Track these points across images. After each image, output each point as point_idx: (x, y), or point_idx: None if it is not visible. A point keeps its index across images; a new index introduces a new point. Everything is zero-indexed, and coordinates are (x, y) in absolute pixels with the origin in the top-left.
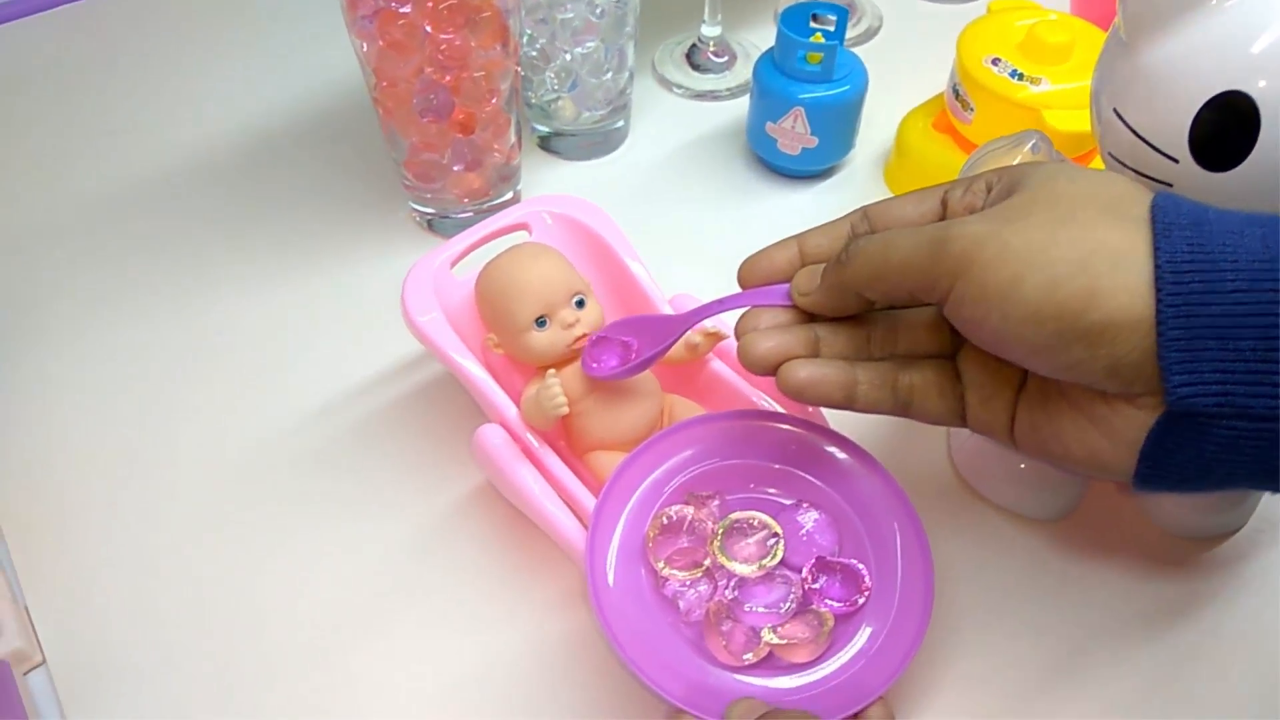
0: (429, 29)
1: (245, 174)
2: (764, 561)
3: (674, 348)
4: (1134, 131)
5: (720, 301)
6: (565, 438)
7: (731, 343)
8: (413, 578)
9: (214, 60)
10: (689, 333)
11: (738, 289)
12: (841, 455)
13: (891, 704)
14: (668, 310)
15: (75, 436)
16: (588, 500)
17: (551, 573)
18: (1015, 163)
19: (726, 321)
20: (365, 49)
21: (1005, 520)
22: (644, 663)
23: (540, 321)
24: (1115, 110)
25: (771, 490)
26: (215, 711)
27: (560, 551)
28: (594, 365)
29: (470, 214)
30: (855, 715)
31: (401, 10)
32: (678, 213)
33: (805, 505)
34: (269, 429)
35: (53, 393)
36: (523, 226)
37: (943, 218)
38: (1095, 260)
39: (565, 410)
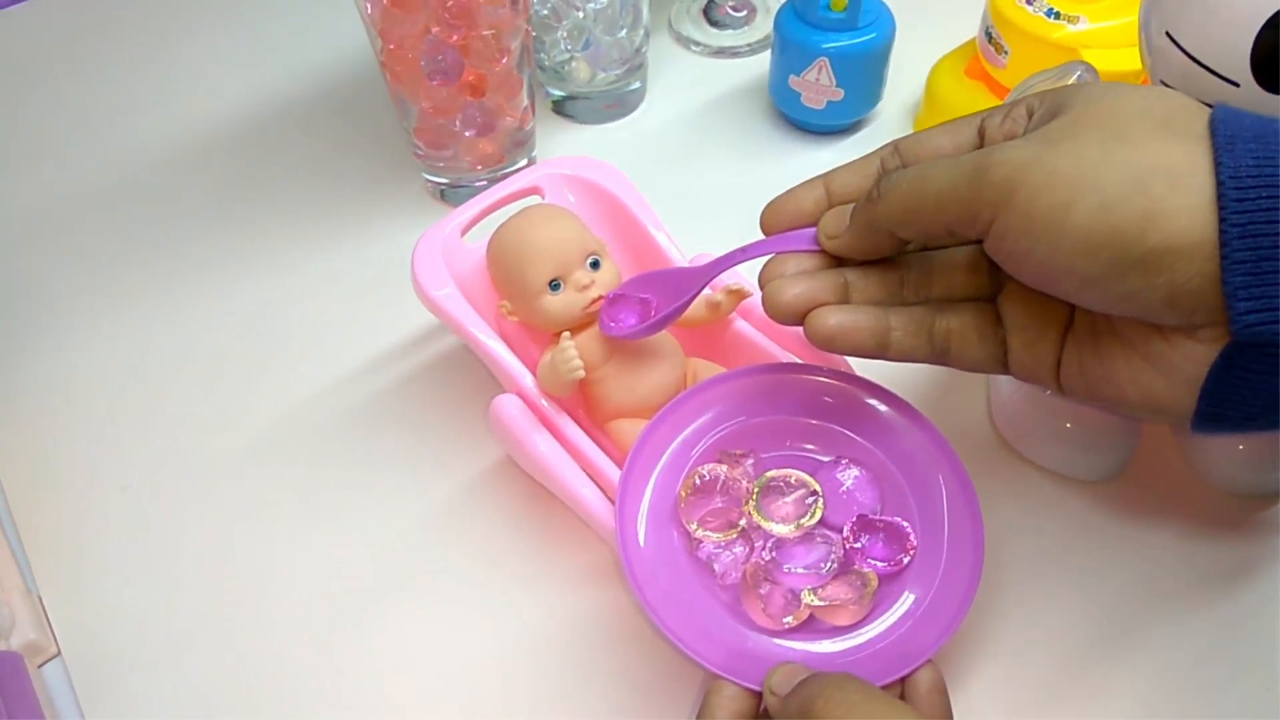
0: None
1: (255, 150)
2: (802, 521)
3: (695, 307)
4: (1189, 55)
5: (743, 250)
6: (584, 406)
7: (756, 301)
8: (433, 557)
9: (219, 34)
10: (710, 291)
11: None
12: (882, 408)
13: (940, 668)
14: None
15: (87, 424)
16: (610, 470)
17: (576, 547)
18: None
19: (750, 279)
20: (369, 9)
21: (1050, 482)
22: (680, 629)
23: (554, 284)
24: (1168, 34)
25: (809, 447)
26: (235, 699)
27: (583, 524)
28: (611, 324)
29: (485, 182)
30: (902, 679)
31: None
32: (699, 175)
33: (845, 461)
34: (283, 409)
35: (64, 381)
36: (535, 190)
37: (980, 147)
38: (1151, 180)
39: (581, 374)
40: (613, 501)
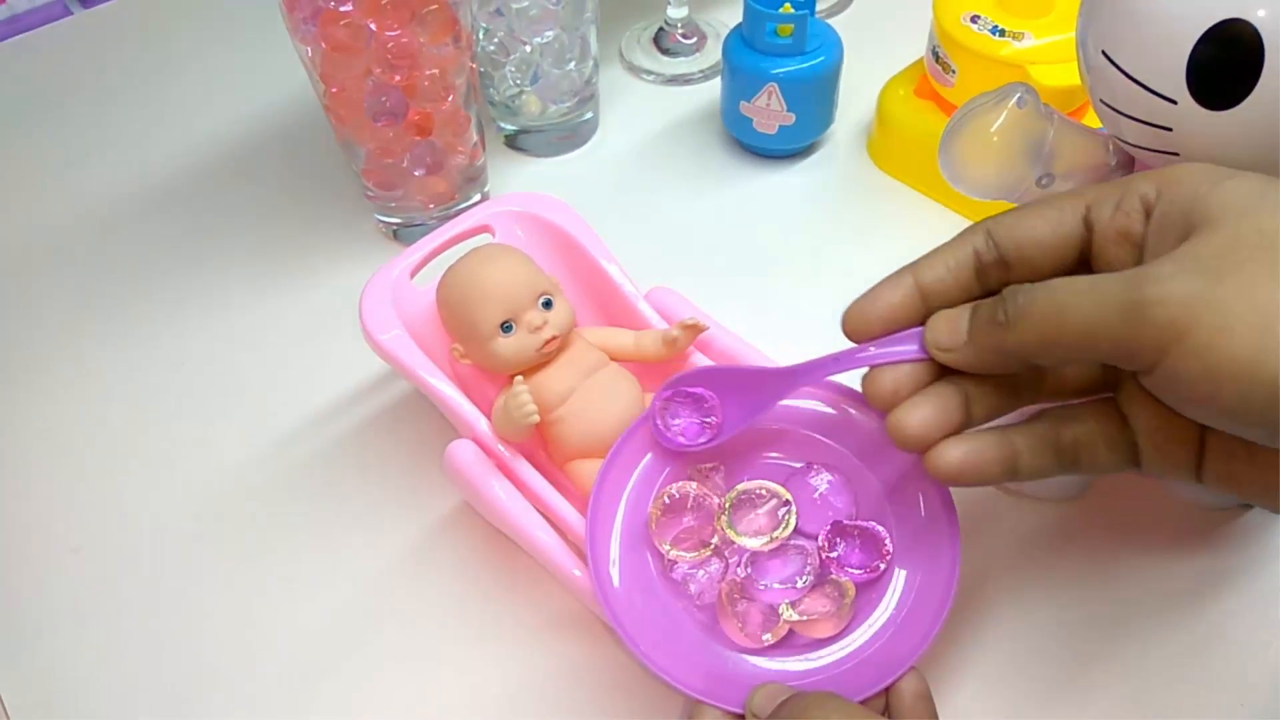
0: (373, 27)
1: (205, 196)
2: (776, 533)
3: (650, 344)
4: (1126, 74)
5: (836, 359)
6: (544, 448)
7: (712, 335)
8: (390, 607)
9: (165, 83)
10: (666, 328)
11: (727, 279)
12: (851, 409)
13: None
14: (644, 308)
15: (37, 479)
16: (570, 514)
17: (537, 593)
18: (998, 119)
19: (702, 312)
20: (310, 54)
21: (1013, 502)
22: (658, 655)
23: (506, 326)
24: (1104, 52)
25: (776, 454)
26: None
27: (543, 569)
28: (668, 434)
29: (437, 220)
30: (887, 689)
31: (342, 9)
32: (655, 203)
33: (816, 467)
34: (236, 456)
35: (11, 433)
36: (485, 229)
37: (1088, 241)
38: None
39: (535, 419)
40: (573, 546)
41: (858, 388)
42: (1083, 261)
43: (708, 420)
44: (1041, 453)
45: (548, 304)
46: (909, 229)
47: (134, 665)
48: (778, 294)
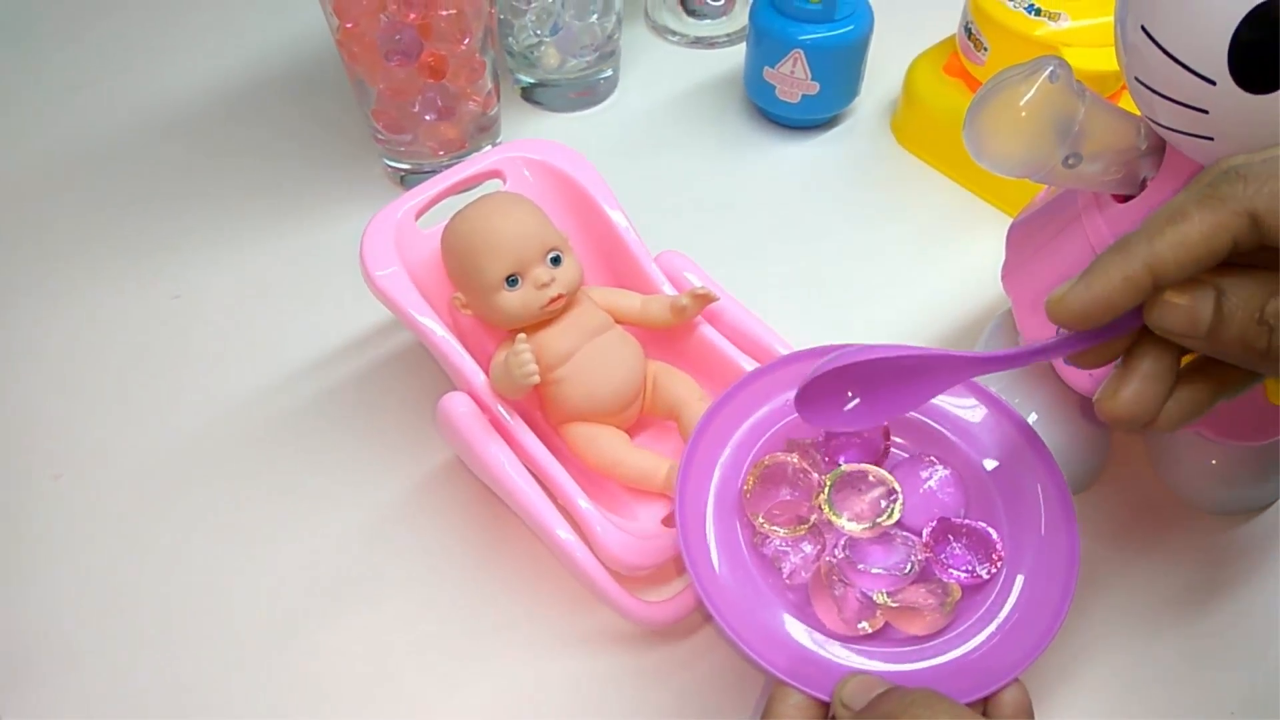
0: None
1: (211, 130)
2: (879, 519)
3: (657, 310)
4: (1165, 51)
5: (1044, 348)
6: (540, 408)
7: (722, 306)
8: (376, 560)
9: (178, 11)
10: (675, 295)
11: (735, 246)
12: (984, 406)
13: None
14: (653, 269)
15: (22, 404)
16: (563, 479)
17: (525, 553)
18: (1029, 93)
19: (714, 281)
20: None
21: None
22: (745, 630)
23: (511, 280)
24: (1143, 27)
25: (897, 440)
26: (159, 702)
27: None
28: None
29: (447, 169)
30: (985, 699)
31: None
32: (670, 167)
33: (929, 459)
34: (227, 399)
35: (2, 348)
36: (496, 174)
37: None
38: None
39: (536, 379)
40: (563, 509)
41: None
42: None
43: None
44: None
45: (556, 260)
46: (929, 211)
47: (106, 596)
48: (789, 267)
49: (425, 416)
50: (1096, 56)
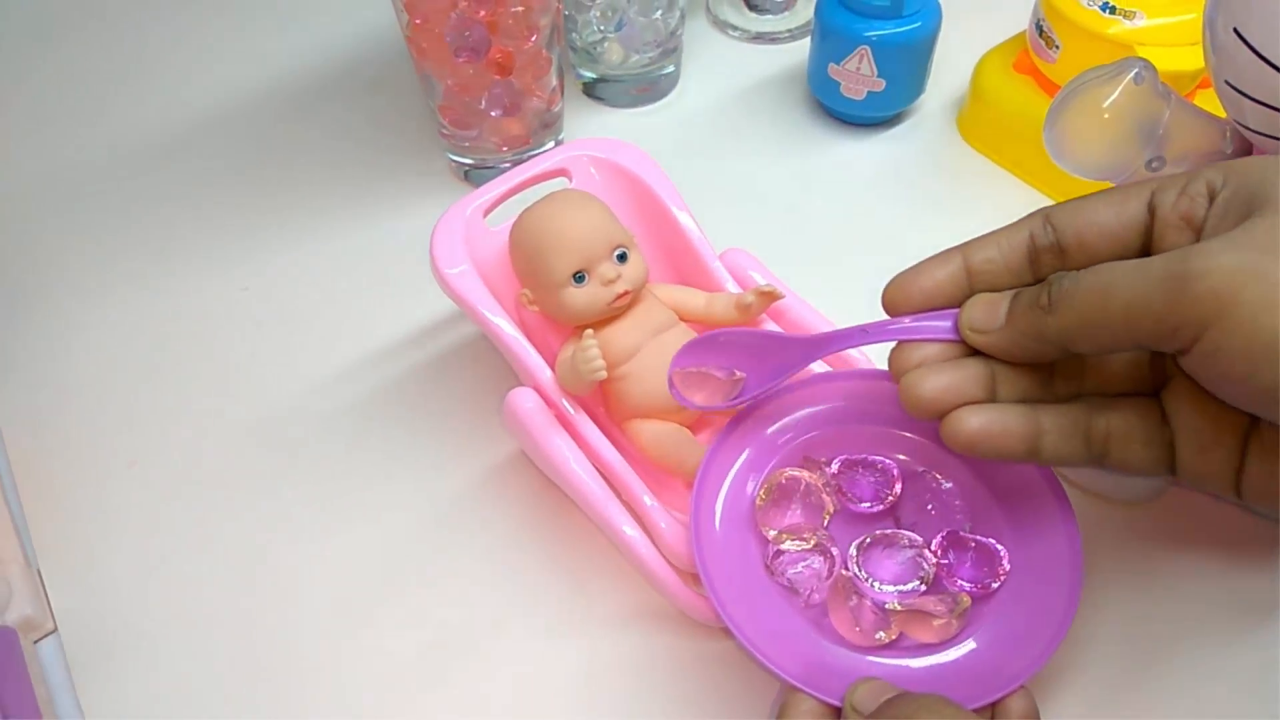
0: None
1: (277, 123)
2: (911, 585)
3: (722, 308)
4: (1259, 54)
5: (864, 330)
6: (603, 404)
7: (787, 304)
8: (440, 548)
9: (248, 8)
10: (741, 293)
11: (799, 245)
12: None
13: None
14: (718, 268)
15: (95, 394)
16: (629, 476)
17: (588, 547)
18: (1113, 95)
19: (781, 281)
20: None
21: (1090, 502)
22: (756, 637)
23: (578, 277)
24: (1236, 30)
25: (901, 457)
26: (233, 684)
27: (594, 525)
28: (684, 397)
29: (510, 164)
30: (992, 705)
31: None
32: (732, 164)
33: (934, 474)
34: (294, 389)
35: (74, 350)
36: (562, 172)
37: (1150, 227)
38: None
39: (603, 375)
40: (627, 505)
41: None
42: (1143, 251)
43: (734, 378)
44: (1070, 438)
45: (623, 257)
46: (996, 210)
47: (180, 584)
48: (853, 265)
49: (488, 408)
50: (1172, 56)
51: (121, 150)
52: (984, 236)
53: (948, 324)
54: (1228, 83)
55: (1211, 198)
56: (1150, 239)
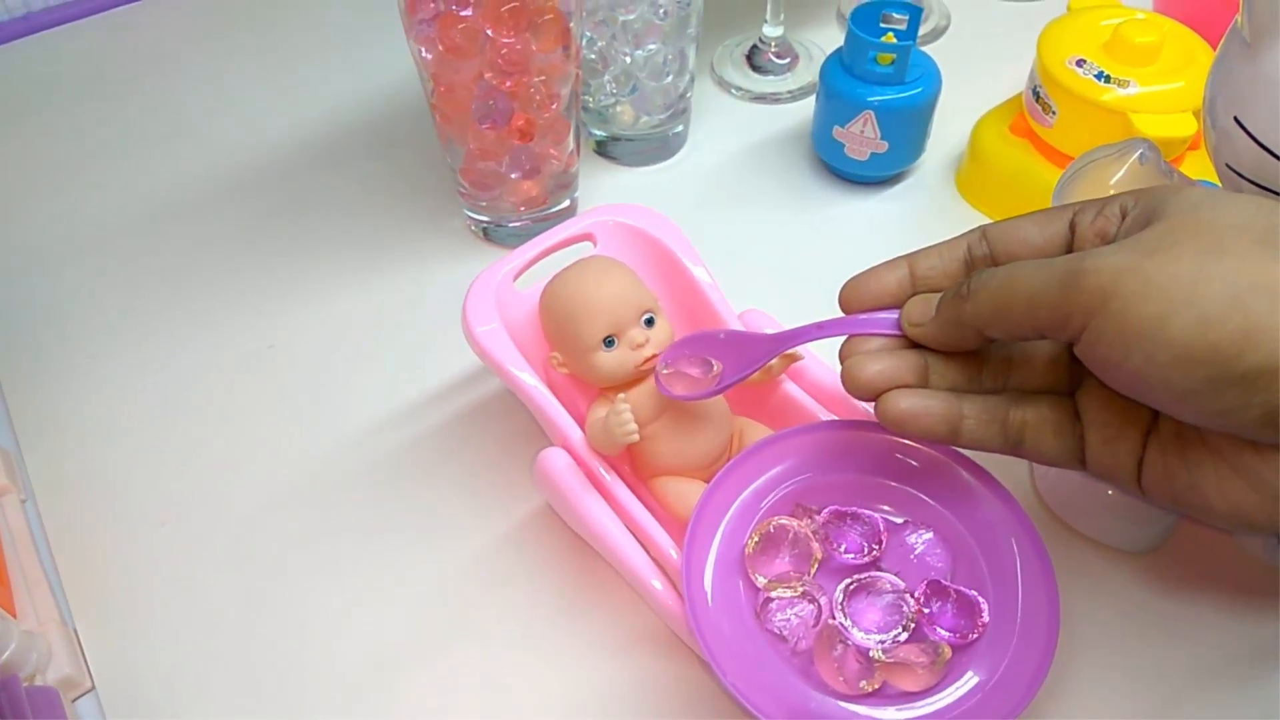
0: (490, 33)
1: (299, 181)
2: (893, 634)
3: None
4: (1258, 142)
5: (819, 326)
6: (630, 462)
7: (805, 365)
8: (469, 606)
9: (267, 65)
10: None
11: (809, 303)
12: (961, 473)
13: None
14: (739, 327)
15: (128, 453)
16: (658, 533)
17: (617, 605)
18: (1118, 173)
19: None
20: (424, 53)
21: (1093, 551)
22: (746, 686)
23: (608, 341)
24: (1236, 118)
25: (884, 508)
26: None
27: (622, 581)
28: (667, 387)
29: (525, 222)
30: None
31: (462, 14)
32: (739, 220)
33: (915, 525)
34: (321, 447)
35: (106, 407)
36: (588, 237)
37: (1070, 243)
38: (1251, 298)
39: (636, 438)
40: (656, 561)
41: (969, 452)
42: None
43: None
44: (989, 424)
45: (650, 322)
46: None
47: (213, 640)
48: None
49: (513, 464)
50: (1165, 123)
51: (148, 208)
52: (928, 248)
53: (892, 319)
54: (1228, 165)
55: (1123, 217)
56: (1069, 251)
